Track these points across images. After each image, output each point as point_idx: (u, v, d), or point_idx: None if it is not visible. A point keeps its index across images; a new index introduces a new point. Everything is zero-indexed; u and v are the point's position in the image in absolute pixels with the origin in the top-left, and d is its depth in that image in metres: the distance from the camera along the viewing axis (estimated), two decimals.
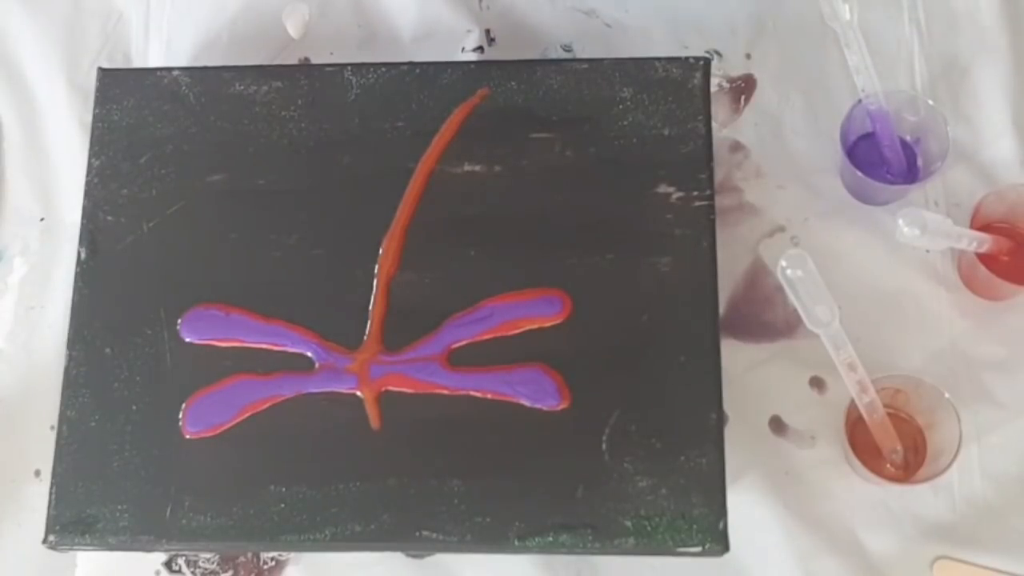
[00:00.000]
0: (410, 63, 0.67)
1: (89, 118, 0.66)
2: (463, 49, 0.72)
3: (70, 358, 0.62)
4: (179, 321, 0.62)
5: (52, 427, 0.62)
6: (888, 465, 0.62)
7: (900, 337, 0.65)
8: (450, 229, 0.63)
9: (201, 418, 0.60)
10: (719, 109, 0.70)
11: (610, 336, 0.60)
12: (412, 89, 0.65)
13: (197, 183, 0.64)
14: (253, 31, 0.74)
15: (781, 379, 0.65)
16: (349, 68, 0.66)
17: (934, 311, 0.66)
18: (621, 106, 0.64)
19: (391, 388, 0.60)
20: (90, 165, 0.65)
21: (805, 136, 0.70)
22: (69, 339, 0.62)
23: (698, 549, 0.57)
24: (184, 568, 0.63)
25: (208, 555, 0.63)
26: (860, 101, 0.65)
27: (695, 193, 0.62)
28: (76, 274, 0.63)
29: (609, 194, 0.63)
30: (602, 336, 0.60)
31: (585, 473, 0.58)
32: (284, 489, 0.59)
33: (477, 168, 0.64)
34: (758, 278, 0.67)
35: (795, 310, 0.56)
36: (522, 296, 0.61)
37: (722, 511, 0.57)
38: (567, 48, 0.73)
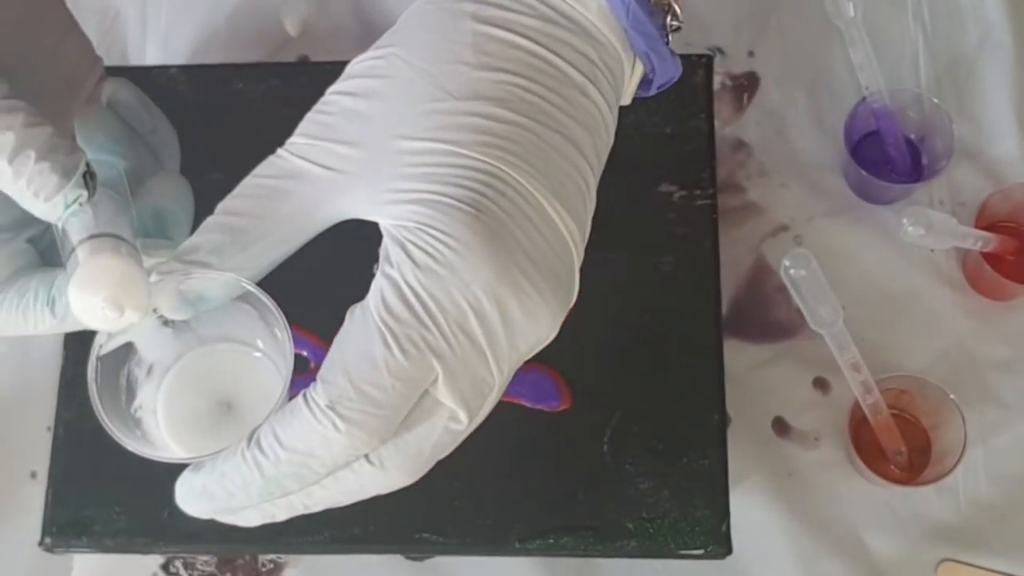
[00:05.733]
0: None
1: None
2: None
3: (66, 358, 0.61)
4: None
5: (48, 428, 0.61)
6: (892, 467, 0.62)
7: (905, 337, 0.65)
8: None
9: None
10: (722, 107, 0.70)
11: (611, 336, 0.60)
12: None
13: (195, 181, 0.64)
14: (251, 29, 0.73)
15: (784, 380, 0.65)
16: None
17: (939, 311, 0.65)
18: (623, 104, 0.64)
19: None
20: None
21: (809, 134, 0.70)
22: (65, 339, 0.61)
23: (700, 551, 0.57)
24: (181, 570, 0.63)
25: (206, 557, 0.63)
26: (864, 99, 0.64)
27: (697, 192, 0.62)
28: None
29: (610, 193, 0.61)
30: (603, 336, 0.60)
31: (586, 474, 0.58)
32: None
33: None
34: (761, 278, 0.67)
35: (798, 310, 0.56)
36: None
37: (725, 513, 0.57)
38: None
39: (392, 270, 0.34)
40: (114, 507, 0.58)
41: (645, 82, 0.42)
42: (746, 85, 0.71)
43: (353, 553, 0.61)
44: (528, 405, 0.59)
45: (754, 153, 0.69)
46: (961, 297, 0.66)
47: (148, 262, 0.40)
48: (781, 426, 0.64)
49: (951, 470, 0.58)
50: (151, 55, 0.74)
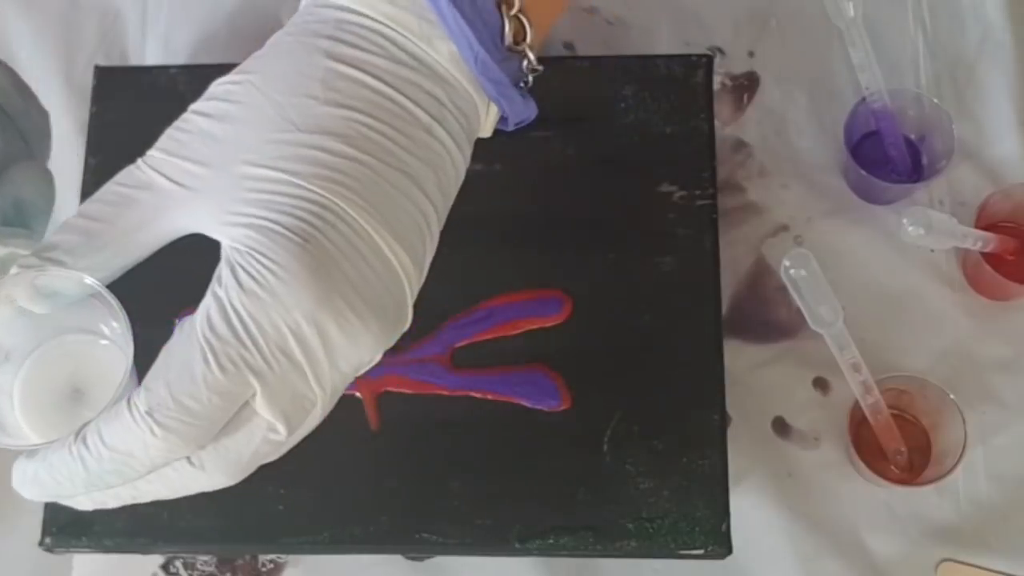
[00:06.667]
0: None
1: (86, 116, 0.66)
2: None
3: None
4: (177, 321, 0.61)
5: None
6: (892, 467, 0.62)
7: (905, 337, 0.65)
8: (450, 229, 0.62)
9: None
10: (722, 107, 0.70)
11: (611, 336, 0.60)
12: None
13: None
14: (251, 29, 0.73)
15: (784, 380, 0.65)
16: None
17: (939, 311, 0.65)
18: (623, 104, 0.64)
19: (390, 389, 0.60)
20: (87, 164, 0.64)
21: (809, 134, 0.69)
22: None
23: (700, 551, 0.57)
24: (181, 570, 0.63)
25: (205, 557, 0.63)
26: (864, 99, 0.64)
27: (697, 192, 0.62)
28: None
29: (610, 193, 0.62)
30: (603, 336, 0.60)
31: (586, 475, 0.58)
32: (282, 491, 0.58)
33: (477, 167, 0.62)
34: (761, 278, 0.67)
35: (799, 310, 0.56)
36: (522, 296, 0.61)
37: (725, 513, 0.57)
38: (568, 46, 0.72)
39: (220, 290, 0.36)
40: None
41: (504, 118, 0.44)
42: (746, 85, 0.71)
43: (353, 553, 0.61)
44: (528, 405, 0.59)
45: (754, 153, 0.69)
46: (961, 297, 0.66)
47: (2, 251, 0.41)
48: (781, 426, 0.64)
49: (951, 470, 0.58)
50: (151, 55, 0.74)
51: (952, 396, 0.59)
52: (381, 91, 0.37)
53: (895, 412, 0.61)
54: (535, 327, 0.60)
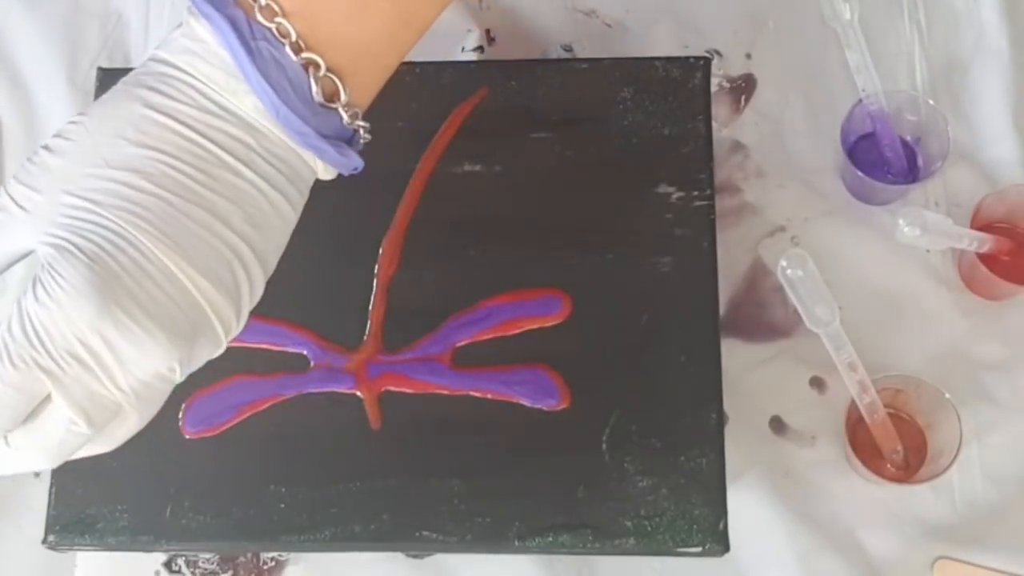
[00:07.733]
0: (410, 63, 0.67)
1: None
2: (463, 49, 0.72)
3: None
4: None
5: None
6: (888, 465, 0.62)
7: (900, 337, 0.65)
8: (450, 229, 0.63)
9: (201, 418, 0.60)
10: (719, 109, 0.70)
11: (610, 336, 0.60)
12: (412, 89, 0.65)
13: None
14: None
15: (781, 379, 0.65)
16: None
17: (934, 311, 0.66)
18: (621, 106, 0.64)
19: (390, 388, 0.60)
20: None
21: (805, 136, 0.70)
22: None
23: (698, 549, 0.57)
24: (184, 568, 0.63)
25: (208, 555, 0.63)
26: (860, 101, 0.65)
27: (695, 193, 0.62)
28: None
29: (609, 194, 0.63)
30: (602, 336, 0.60)
31: (585, 473, 0.58)
32: (284, 489, 0.59)
33: (477, 168, 0.64)
34: (758, 278, 0.67)
35: (795, 310, 0.56)
36: (522, 296, 0.61)
37: (722, 511, 0.57)
38: (567, 48, 0.73)
39: (23, 300, 0.41)
40: (117, 505, 0.59)
41: None
42: (743, 87, 0.71)
43: (354, 551, 0.61)
44: (528, 404, 0.59)
45: (751, 155, 0.70)
46: (956, 297, 0.66)
47: None
48: (778, 425, 0.65)
49: (947, 468, 0.59)
50: None
51: (947, 395, 0.60)
52: (187, 136, 0.41)
53: (891, 411, 0.61)
54: (535, 327, 0.61)
